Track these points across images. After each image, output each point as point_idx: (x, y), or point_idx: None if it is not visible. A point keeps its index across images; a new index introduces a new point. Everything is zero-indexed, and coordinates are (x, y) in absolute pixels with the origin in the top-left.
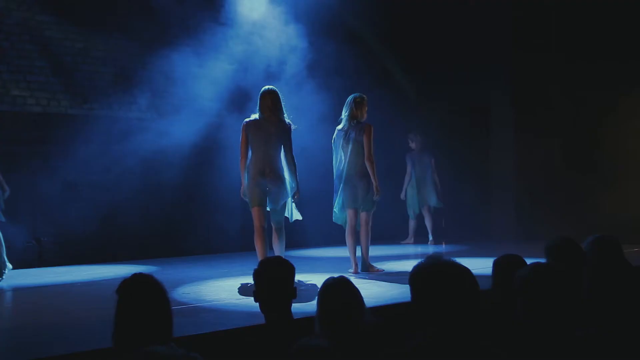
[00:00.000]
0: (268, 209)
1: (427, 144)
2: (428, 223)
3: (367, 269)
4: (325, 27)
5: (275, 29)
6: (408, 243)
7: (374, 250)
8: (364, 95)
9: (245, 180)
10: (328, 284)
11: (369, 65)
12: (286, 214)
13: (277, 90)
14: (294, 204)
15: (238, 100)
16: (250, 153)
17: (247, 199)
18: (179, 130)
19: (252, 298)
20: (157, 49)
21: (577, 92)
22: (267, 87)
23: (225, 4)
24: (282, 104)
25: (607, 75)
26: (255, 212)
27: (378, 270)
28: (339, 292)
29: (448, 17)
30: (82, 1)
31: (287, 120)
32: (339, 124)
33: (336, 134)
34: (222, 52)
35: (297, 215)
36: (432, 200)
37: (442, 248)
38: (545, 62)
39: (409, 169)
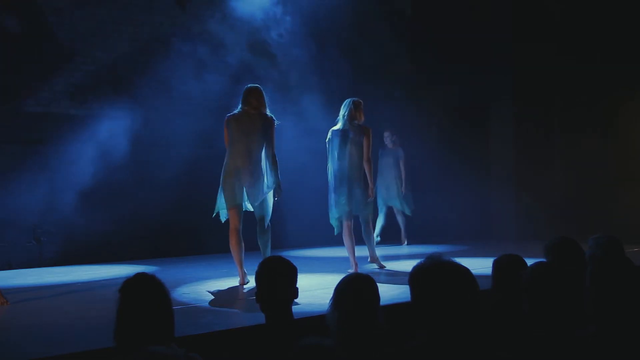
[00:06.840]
0: (251, 208)
1: (398, 142)
2: (401, 223)
3: (374, 261)
4: (322, 30)
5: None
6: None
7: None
8: (361, 100)
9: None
10: (350, 280)
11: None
12: (263, 213)
13: (260, 87)
14: (270, 205)
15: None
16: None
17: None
18: (179, 130)
19: (252, 298)
20: (158, 49)
21: (578, 91)
22: (250, 85)
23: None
24: (265, 101)
25: (608, 74)
26: (231, 213)
27: (383, 266)
28: (362, 289)
29: (448, 13)
30: (82, 1)
31: (270, 115)
32: (335, 124)
33: (331, 134)
34: (222, 51)
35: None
36: (395, 203)
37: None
38: (546, 60)
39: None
